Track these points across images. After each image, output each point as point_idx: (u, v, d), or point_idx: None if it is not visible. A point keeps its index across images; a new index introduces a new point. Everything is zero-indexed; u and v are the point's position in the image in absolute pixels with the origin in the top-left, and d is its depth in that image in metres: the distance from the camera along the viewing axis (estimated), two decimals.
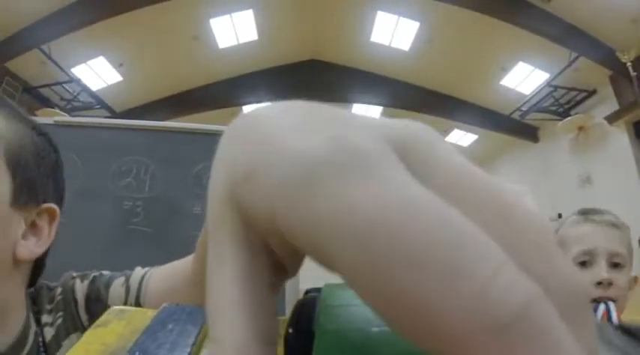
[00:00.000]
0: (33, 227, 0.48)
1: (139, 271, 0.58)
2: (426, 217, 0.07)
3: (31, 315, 0.51)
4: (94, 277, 0.57)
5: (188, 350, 0.14)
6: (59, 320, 0.52)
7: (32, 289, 0.55)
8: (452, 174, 0.09)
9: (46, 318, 0.52)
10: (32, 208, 0.48)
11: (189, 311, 0.17)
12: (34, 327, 0.50)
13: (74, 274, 0.58)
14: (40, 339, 0.50)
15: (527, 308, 0.07)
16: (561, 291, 0.08)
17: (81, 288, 0.56)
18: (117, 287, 0.56)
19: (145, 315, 0.17)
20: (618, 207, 8.65)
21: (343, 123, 0.10)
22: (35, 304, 0.54)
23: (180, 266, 0.46)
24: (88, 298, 0.55)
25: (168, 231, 1.68)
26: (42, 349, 0.49)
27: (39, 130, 0.52)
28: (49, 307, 0.54)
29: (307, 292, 0.18)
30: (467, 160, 0.11)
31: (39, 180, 0.49)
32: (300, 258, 0.12)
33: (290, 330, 0.15)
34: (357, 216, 0.07)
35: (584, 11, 8.39)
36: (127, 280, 0.56)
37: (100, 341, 0.16)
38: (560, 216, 13.06)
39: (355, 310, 0.15)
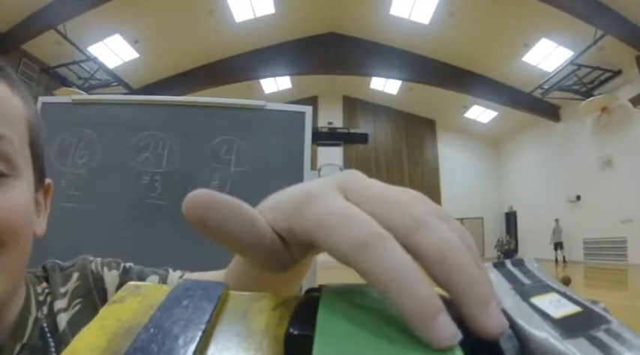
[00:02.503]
0: (36, 203, 0.47)
1: (174, 273, 0.56)
2: (343, 212, 0.16)
3: (32, 299, 0.48)
4: (125, 268, 0.55)
5: (202, 327, 0.15)
6: (77, 307, 0.50)
7: (40, 269, 0.53)
8: (365, 193, 0.18)
9: (60, 303, 0.49)
10: (40, 187, 0.48)
11: (205, 287, 0.17)
12: (34, 313, 0.47)
13: (91, 258, 0.55)
14: (45, 325, 0.47)
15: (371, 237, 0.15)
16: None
17: (111, 277, 0.54)
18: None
19: (161, 291, 0.18)
20: (639, 192, 8.42)
21: (312, 185, 0.18)
22: (47, 284, 0.51)
23: (218, 277, 0.44)
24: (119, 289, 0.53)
25: None
26: (48, 335, 0.46)
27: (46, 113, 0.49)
28: (62, 290, 0.51)
29: (307, 292, 0.18)
30: (383, 186, 0.18)
31: (43, 158, 0.49)
32: (302, 250, 0.19)
33: (290, 330, 0.16)
34: (315, 217, 0.16)
35: None
36: (163, 280, 0.54)
37: (116, 316, 0.16)
38: (578, 197, 12.91)
39: (354, 310, 0.15)
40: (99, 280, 0.53)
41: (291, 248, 0.19)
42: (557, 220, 12.36)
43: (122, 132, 1.74)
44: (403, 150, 16.49)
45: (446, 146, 16.58)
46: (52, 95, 7.19)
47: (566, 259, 11.92)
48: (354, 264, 0.15)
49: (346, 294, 0.16)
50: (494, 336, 0.15)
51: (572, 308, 0.18)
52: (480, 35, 10.91)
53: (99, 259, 0.56)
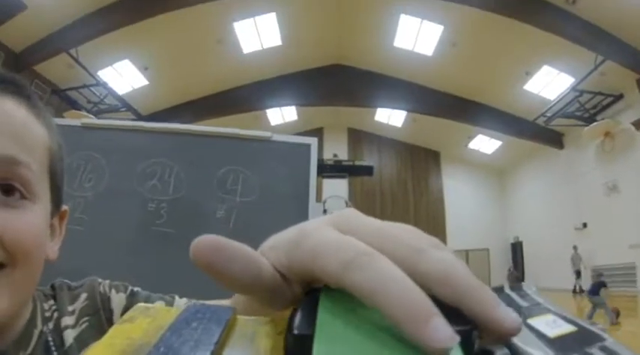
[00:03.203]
0: (52, 227, 0.50)
1: (180, 300, 0.58)
2: (335, 240, 0.17)
3: (39, 314, 0.50)
4: (132, 291, 0.57)
5: (211, 348, 0.15)
6: (85, 325, 0.52)
7: (49, 287, 0.55)
8: (360, 228, 0.18)
9: (67, 320, 0.51)
10: (56, 212, 0.50)
11: (214, 310, 0.18)
12: (39, 326, 0.49)
13: (99, 280, 0.57)
14: (51, 339, 0.49)
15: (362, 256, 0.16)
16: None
17: (118, 299, 0.56)
18: None
19: (170, 313, 0.18)
20: None
21: (308, 223, 0.19)
22: (54, 302, 0.53)
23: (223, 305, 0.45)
24: (126, 311, 0.54)
25: (192, 233, 1.66)
26: (53, 349, 0.48)
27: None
28: (70, 308, 0.53)
29: (307, 293, 0.18)
30: (378, 222, 0.19)
31: (62, 185, 0.51)
32: (300, 286, 0.20)
33: (290, 331, 0.16)
34: (310, 248, 0.17)
35: (610, 13, 8.23)
36: (169, 305, 0.56)
37: (126, 335, 0.17)
38: (585, 225, 12.80)
39: (354, 311, 0.16)
40: (106, 301, 0.55)
41: (292, 285, 0.20)
42: (575, 247, 11.92)
43: (130, 158, 1.76)
44: (408, 182, 16.48)
45: (450, 177, 16.56)
46: (62, 117, 7.30)
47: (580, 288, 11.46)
48: (347, 284, 0.15)
49: (346, 294, 0.16)
50: (512, 332, 0.15)
51: (567, 328, 0.18)
52: (482, 65, 11.06)
53: (107, 281, 0.57)
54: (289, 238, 0.19)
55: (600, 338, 0.17)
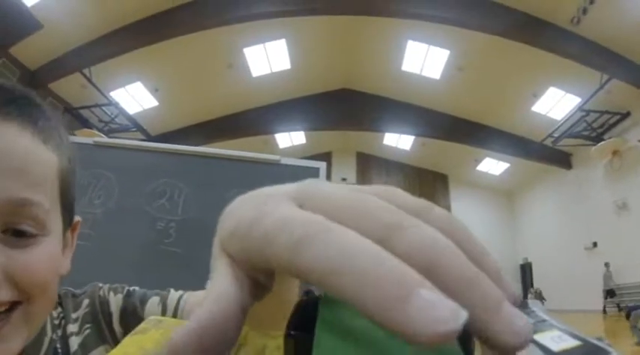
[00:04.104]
0: (64, 241, 0.50)
1: (174, 293, 0.59)
2: (288, 217, 0.14)
3: (48, 322, 0.51)
4: (129, 291, 0.58)
5: None
6: (87, 331, 0.53)
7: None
8: (325, 202, 0.15)
9: (72, 328, 0.52)
10: (69, 227, 0.50)
11: None
12: (49, 334, 0.50)
13: (100, 285, 0.59)
14: (59, 346, 0.50)
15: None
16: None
17: (115, 301, 0.57)
18: (153, 305, 0.58)
19: (182, 325, 0.19)
20: None
21: (266, 199, 0.17)
22: (61, 309, 0.55)
23: None
24: (124, 311, 0.56)
25: (199, 254, 1.70)
26: None
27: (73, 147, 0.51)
28: (74, 315, 0.54)
29: (307, 292, 0.18)
30: (346, 190, 0.16)
31: (74, 200, 0.50)
32: (268, 278, 0.17)
33: (290, 330, 0.16)
34: (262, 234, 0.15)
35: (613, 32, 8.28)
36: (164, 300, 0.58)
37: (139, 345, 0.18)
38: (595, 244, 12.61)
39: (355, 310, 0.14)
40: (105, 304, 0.56)
41: (251, 273, 0.17)
42: (607, 264, 10.97)
43: (140, 177, 1.80)
44: None
45: (458, 200, 16.47)
46: (74, 135, 7.43)
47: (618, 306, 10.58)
48: (299, 268, 0.13)
49: None
50: (514, 347, 0.12)
51: (572, 343, 0.18)
52: (489, 88, 11.11)
53: (107, 285, 0.59)
54: (246, 221, 0.16)
55: (605, 352, 0.17)
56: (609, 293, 10.88)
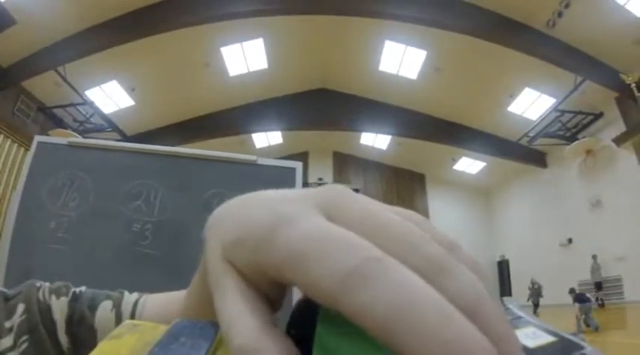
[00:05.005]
0: None
1: (129, 296, 0.50)
2: (325, 236, 0.12)
3: None
4: (75, 294, 0.48)
5: None
6: (24, 345, 0.43)
7: None
8: (356, 215, 0.13)
9: (5, 341, 0.43)
10: None
11: (201, 326, 0.18)
12: None
13: (38, 284, 0.49)
14: None
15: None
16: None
17: (59, 306, 0.47)
18: (105, 311, 0.49)
19: (158, 329, 0.18)
20: (630, 229, 8.49)
21: (285, 202, 0.14)
22: None
23: (176, 298, 0.40)
24: (70, 320, 0.47)
25: (176, 255, 1.69)
26: None
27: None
28: (8, 325, 0.44)
29: None
30: (377, 205, 0.14)
31: None
32: (281, 293, 0.16)
33: (289, 331, 0.15)
34: (287, 247, 0.12)
35: (588, 35, 8.49)
36: (117, 305, 0.49)
37: (115, 351, 0.17)
38: (570, 241, 12.93)
39: None
40: (46, 311, 0.46)
41: (263, 288, 0.15)
42: (594, 256, 10.90)
43: (115, 178, 1.77)
44: (394, 204, 16.40)
45: (436, 199, 16.66)
46: (47, 135, 7.25)
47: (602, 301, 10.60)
48: (345, 305, 0.11)
49: None
50: None
51: (547, 339, 0.18)
52: (466, 88, 11.28)
53: (47, 285, 0.49)
54: (260, 225, 0.14)
55: (579, 347, 0.17)
56: (597, 286, 10.79)
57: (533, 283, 11.78)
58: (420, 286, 0.10)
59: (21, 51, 8.40)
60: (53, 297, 0.47)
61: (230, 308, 0.14)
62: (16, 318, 0.44)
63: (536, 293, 11.51)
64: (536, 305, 11.31)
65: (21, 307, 0.45)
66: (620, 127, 10.00)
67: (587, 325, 7.84)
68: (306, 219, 0.13)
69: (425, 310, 0.10)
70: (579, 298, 8.45)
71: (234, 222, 0.15)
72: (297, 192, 0.15)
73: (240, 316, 0.13)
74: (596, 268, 10.94)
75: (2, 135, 8.18)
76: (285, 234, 0.13)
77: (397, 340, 0.10)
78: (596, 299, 10.72)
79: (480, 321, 0.11)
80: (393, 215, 0.14)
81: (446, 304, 0.10)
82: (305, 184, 8.65)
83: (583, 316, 8.00)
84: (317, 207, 0.14)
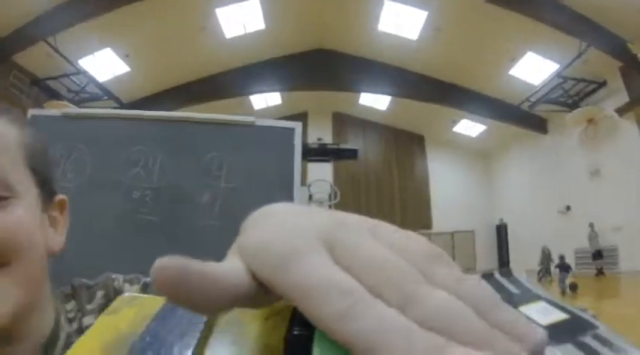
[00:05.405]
0: (50, 219, 0.51)
1: None
2: (327, 280, 0.14)
3: (62, 315, 0.51)
4: (145, 283, 0.56)
5: (197, 335, 0.15)
6: None
7: (69, 287, 0.56)
8: (354, 254, 0.16)
9: (88, 320, 0.52)
10: (50, 204, 0.51)
11: None
12: (65, 328, 0.50)
13: (114, 276, 0.58)
14: (75, 340, 0.49)
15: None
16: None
17: (131, 292, 0.56)
18: None
19: (155, 302, 0.18)
20: (628, 200, 8.55)
21: (296, 235, 0.17)
22: (75, 302, 0.54)
23: None
24: None
25: (176, 221, 1.68)
26: None
27: (35, 127, 0.52)
28: (89, 307, 0.53)
29: None
30: (375, 247, 0.16)
31: (50, 176, 0.51)
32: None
33: (290, 330, 0.16)
34: (296, 284, 0.15)
35: (594, 0, 8.26)
36: None
37: (113, 326, 0.16)
38: (568, 208, 13.03)
39: None
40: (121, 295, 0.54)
41: (273, 292, 0.17)
42: (592, 224, 11.10)
43: (112, 146, 1.74)
44: (393, 166, 16.53)
45: (435, 160, 16.66)
46: (42, 108, 7.16)
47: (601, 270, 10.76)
48: (336, 334, 0.14)
49: None
50: None
51: (559, 316, 0.18)
52: (467, 50, 11.08)
53: (121, 276, 0.58)
54: (273, 254, 0.16)
55: (593, 326, 0.17)
56: (596, 255, 10.88)
57: (543, 249, 11.62)
58: (394, 318, 0.13)
59: (8, 25, 8.19)
60: (127, 285, 0.56)
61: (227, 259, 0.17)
62: (97, 301, 0.54)
63: (547, 258, 11.35)
64: (546, 271, 11.18)
65: (100, 293, 0.55)
66: (623, 97, 9.90)
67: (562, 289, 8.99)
68: (313, 258, 0.15)
69: (395, 336, 0.13)
70: (561, 266, 9.63)
71: (254, 234, 0.18)
72: (310, 223, 0.18)
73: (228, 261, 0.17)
74: (593, 236, 11.02)
75: None
76: (294, 269, 0.15)
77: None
78: (596, 268, 10.91)
79: (457, 338, 0.13)
80: (386, 255, 0.16)
81: (412, 329, 0.13)
82: (304, 145, 8.75)
83: (561, 282, 9.19)
84: (324, 244, 0.16)
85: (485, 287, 0.15)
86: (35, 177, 0.48)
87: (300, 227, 0.17)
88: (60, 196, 0.53)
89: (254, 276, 0.17)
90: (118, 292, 0.55)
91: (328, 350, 0.14)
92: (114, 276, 0.57)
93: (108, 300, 0.53)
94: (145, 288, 0.56)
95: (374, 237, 0.17)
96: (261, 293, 0.17)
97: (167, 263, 0.15)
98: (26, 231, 0.43)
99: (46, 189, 0.50)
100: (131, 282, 0.57)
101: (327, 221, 0.18)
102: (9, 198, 0.43)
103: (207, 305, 0.16)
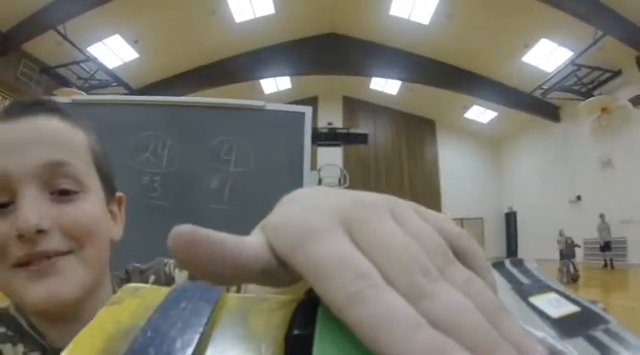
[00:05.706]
0: (111, 213, 0.57)
1: None
2: (343, 260, 0.15)
3: None
4: None
5: (200, 329, 0.14)
6: None
7: (124, 272, 0.61)
8: (372, 239, 0.16)
9: None
10: (111, 199, 0.57)
11: (204, 289, 0.17)
12: None
13: (165, 260, 0.62)
14: None
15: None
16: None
17: (181, 278, 0.60)
18: None
19: (159, 293, 0.17)
20: (638, 192, 8.38)
21: (316, 214, 0.17)
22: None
23: None
24: None
25: (186, 205, 1.68)
26: None
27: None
28: None
29: (307, 291, 0.17)
30: (393, 232, 0.16)
31: (111, 175, 0.58)
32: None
33: (291, 330, 0.15)
34: (313, 261, 0.15)
35: None
36: None
37: (114, 318, 0.16)
38: (579, 197, 12.88)
39: None
40: (170, 280, 0.60)
41: (291, 269, 0.17)
42: (602, 215, 10.76)
43: (122, 132, 1.74)
44: (403, 151, 16.46)
45: (446, 146, 16.56)
46: (52, 95, 7.20)
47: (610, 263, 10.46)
48: (346, 316, 0.14)
49: None
50: None
51: (570, 308, 0.18)
52: (479, 35, 10.90)
53: (172, 261, 0.62)
54: (293, 230, 0.16)
55: (604, 320, 0.17)
56: (605, 247, 10.52)
57: (566, 240, 10.25)
58: (401, 306, 0.13)
59: (18, 14, 8.20)
60: (177, 270, 0.61)
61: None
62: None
63: (570, 248, 9.80)
64: (569, 257, 9.69)
65: (152, 278, 0.60)
66: (638, 88, 9.69)
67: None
68: (330, 238, 0.16)
69: (401, 327, 0.12)
70: (566, 254, 9.30)
71: (277, 214, 0.18)
72: (330, 202, 0.18)
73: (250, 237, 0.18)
74: (603, 228, 10.73)
75: (7, 101, 8.15)
76: (311, 248, 0.15)
77: (378, 346, 0.13)
78: (604, 259, 10.65)
79: (463, 338, 0.13)
80: (404, 240, 0.16)
81: (420, 323, 0.13)
82: (314, 129, 8.58)
83: (564, 269, 8.84)
84: (342, 223, 0.17)
85: (493, 296, 0.15)
86: (99, 175, 0.54)
87: (318, 206, 0.17)
88: (119, 193, 0.60)
89: (274, 254, 0.17)
90: (169, 277, 0.60)
91: (329, 351, 0.14)
92: (165, 261, 0.62)
93: (159, 285, 0.55)
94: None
95: (393, 218, 0.17)
96: (280, 271, 0.17)
97: (182, 228, 0.16)
98: (94, 219, 0.50)
99: (108, 186, 0.56)
100: (181, 268, 0.60)
101: (346, 200, 0.18)
102: (80, 192, 0.49)
103: (224, 274, 0.16)
